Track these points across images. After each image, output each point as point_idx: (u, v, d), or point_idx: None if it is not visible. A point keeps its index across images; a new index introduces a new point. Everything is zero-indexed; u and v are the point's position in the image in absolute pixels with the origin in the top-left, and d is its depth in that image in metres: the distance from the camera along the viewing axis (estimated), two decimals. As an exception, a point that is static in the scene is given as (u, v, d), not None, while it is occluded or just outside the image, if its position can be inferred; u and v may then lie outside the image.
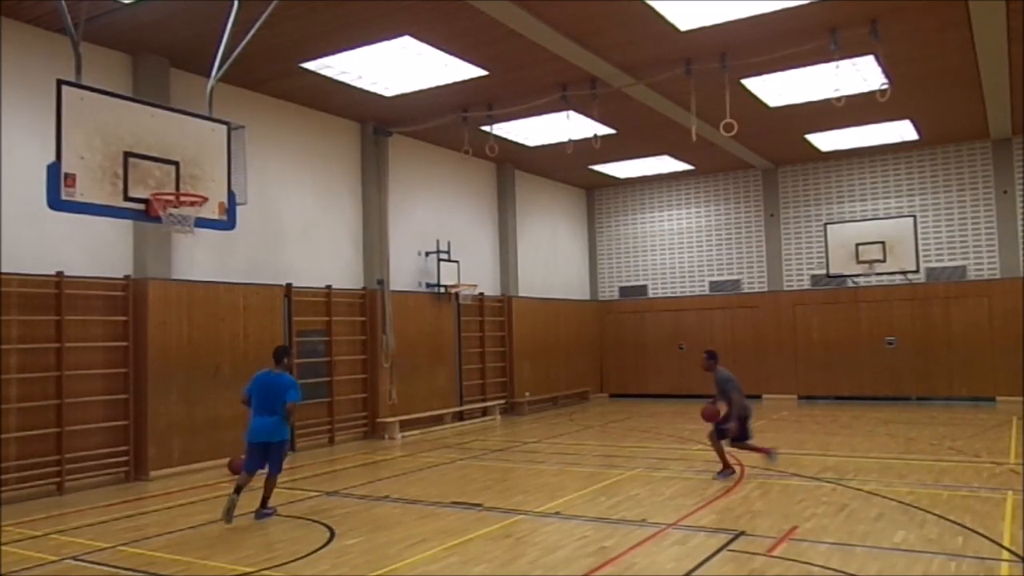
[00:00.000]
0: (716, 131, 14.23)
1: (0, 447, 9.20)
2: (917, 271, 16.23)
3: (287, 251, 13.32)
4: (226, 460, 11.08)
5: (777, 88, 13.37)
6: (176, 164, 6.84)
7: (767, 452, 9.57)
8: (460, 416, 16.86)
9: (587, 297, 22.27)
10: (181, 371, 11.17)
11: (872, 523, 7.12)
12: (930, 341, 18.00)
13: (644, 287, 21.74)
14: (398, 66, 11.76)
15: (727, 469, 9.49)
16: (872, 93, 12.67)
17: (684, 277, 21.17)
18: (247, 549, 6.83)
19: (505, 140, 16.01)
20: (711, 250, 20.82)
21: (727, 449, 9.64)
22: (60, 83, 6.14)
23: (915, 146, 18.06)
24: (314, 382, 13.52)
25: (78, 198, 6.13)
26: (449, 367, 16.82)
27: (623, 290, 22.08)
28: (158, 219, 6.71)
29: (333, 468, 11.38)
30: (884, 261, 16.11)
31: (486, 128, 14.81)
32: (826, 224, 17.32)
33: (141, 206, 6.58)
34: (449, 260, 16.60)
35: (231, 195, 7.38)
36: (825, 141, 17.37)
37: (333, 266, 14.23)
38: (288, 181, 13.43)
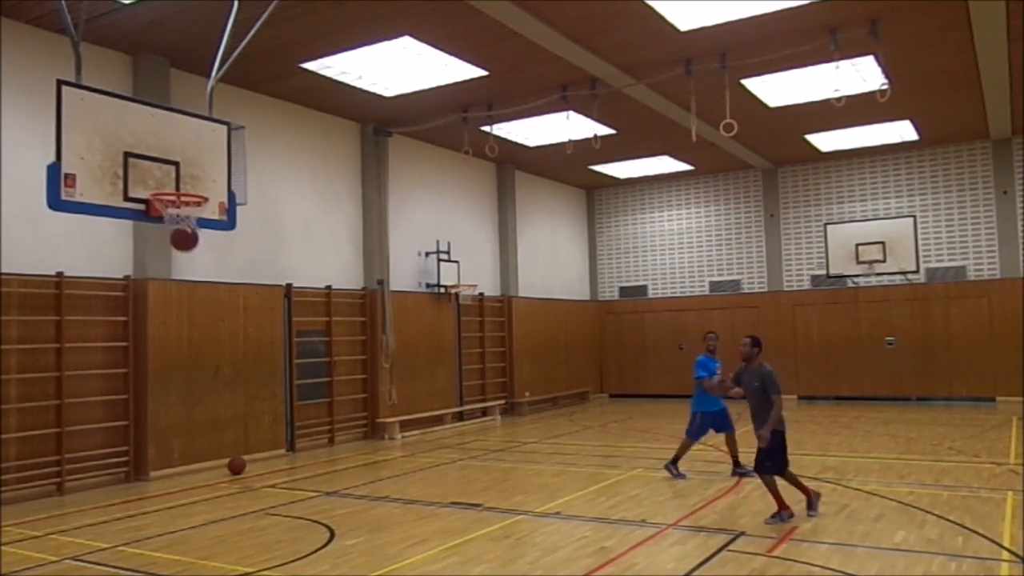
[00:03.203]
0: (716, 131, 14.22)
1: (0, 447, 9.20)
2: (917, 271, 16.23)
3: (287, 251, 13.32)
4: (226, 460, 11.13)
5: (777, 88, 13.36)
6: (176, 164, 6.83)
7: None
8: (460, 416, 16.86)
9: (587, 297, 22.27)
10: (181, 371, 11.16)
11: (872, 523, 7.12)
12: (930, 341, 17.99)
13: (644, 287, 21.74)
14: (398, 66, 11.76)
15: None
16: (872, 93, 12.65)
17: (684, 277, 21.17)
18: (247, 549, 6.83)
19: (505, 140, 16.01)
20: (711, 250, 20.82)
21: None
22: (60, 83, 6.13)
23: (915, 146, 18.06)
24: (314, 382, 13.54)
25: (78, 198, 6.12)
26: (449, 367, 16.82)
27: (623, 290, 22.08)
28: (158, 219, 6.69)
29: (333, 468, 11.37)
30: (884, 261, 16.10)
31: (486, 128, 14.81)
32: (826, 224, 17.32)
33: (141, 206, 6.57)
34: (449, 260, 16.59)
35: (231, 195, 7.37)
36: (825, 141, 17.37)
37: (333, 266, 14.23)
38: (288, 181, 13.43)
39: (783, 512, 7.30)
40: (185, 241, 6.79)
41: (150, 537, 7.39)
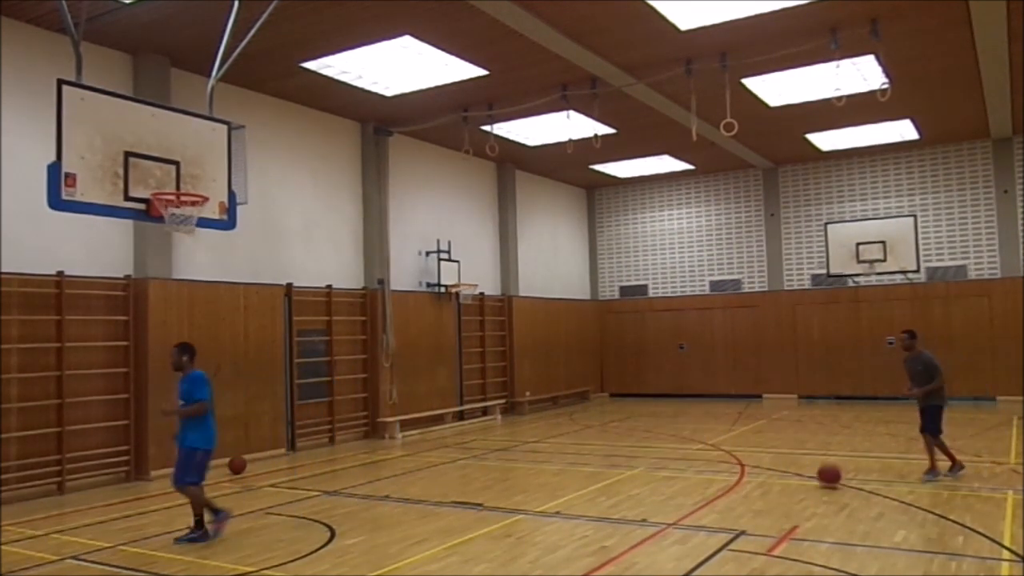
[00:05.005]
0: (716, 131, 14.23)
1: (0, 447, 9.20)
2: (917, 270, 16.22)
3: (287, 251, 13.32)
4: (227, 460, 11.12)
5: (777, 88, 13.36)
6: (176, 164, 6.84)
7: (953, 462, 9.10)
8: (460, 416, 16.86)
9: (587, 297, 22.27)
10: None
11: (872, 523, 7.13)
12: (930, 341, 17.85)
13: (644, 287, 21.75)
14: (398, 66, 11.76)
15: (936, 469, 9.06)
16: (872, 92, 12.67)
17: (684, 277, 21.17)
18: (247, 549, 6.83)
19: (505, 140, 16.01)
20: (711, 250, 20.82)
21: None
22: (60, 83, 6.13)
23: (915, 145, 18.06)
24: (314, 382, 13.54)
25: (79, 198, 6.12)
26: (449, 367, 16.82)
27: (623, 290, 22.08)
28: (159, 219, 6.70)
29: (333, 468, 11.38)
30: (884, 260, 16.09)
31: (486, 128, 14.81)
32: (826, 224, 17.30)
33: (142, 206, 6.58)
34: (449, 260, 16.60)
35: (231, 195, 7.37)
36: (825, 141, 17.37)
37: (333, 266, 14.23)
38: (288, 181, 13.43)
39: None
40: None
41: (150, 537, 7.40)
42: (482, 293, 17.82)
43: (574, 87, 12.95)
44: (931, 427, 9.09)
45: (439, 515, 7.95)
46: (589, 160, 18.56)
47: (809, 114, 15.05)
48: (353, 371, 14.41)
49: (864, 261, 16.26)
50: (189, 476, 7.20)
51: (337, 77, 12.23)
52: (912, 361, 9.36)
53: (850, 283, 18.53)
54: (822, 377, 19.06)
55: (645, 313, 21.59)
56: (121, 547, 6.97)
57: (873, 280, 18.26)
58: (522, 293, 19.19)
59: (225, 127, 7.37)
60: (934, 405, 9.12)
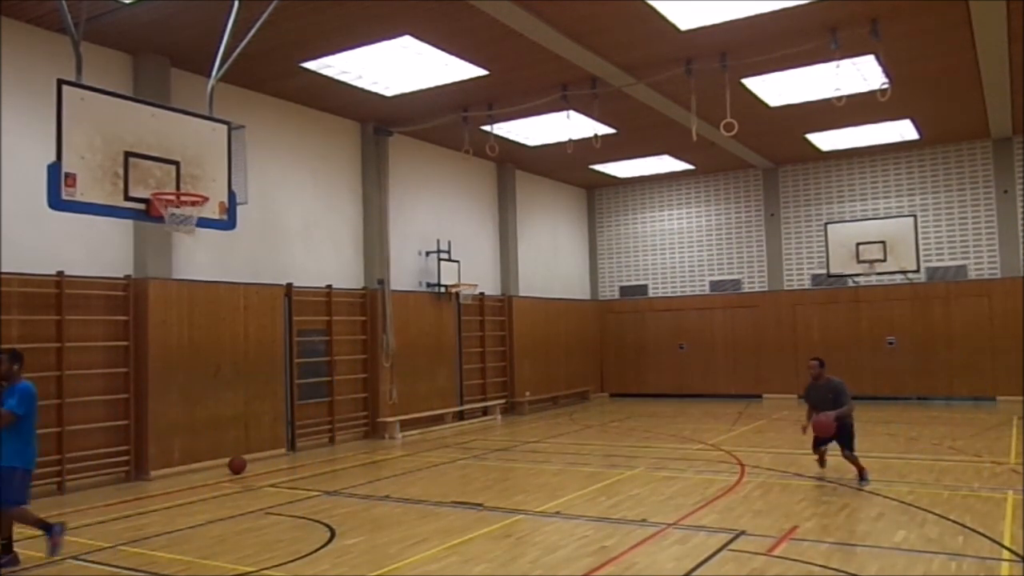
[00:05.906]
0: (716, 131, 14.23)
1: (1, 447, 9.19)
2: (917, 270, 16.22)
3: (287, 251, 13.32)
4: (227, 460, 11.14)
5: (777, 88, 13.36)
6: (176, 164, 6.83)
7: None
8: (460, 416, 16.86)
9: (587, 297, 22.27)
10: (181, 371, 11.16)
11: (872, 523, 7.13)
12: (930, 341, 17.99)
13: (644, 287, 21.75)
14: (398, 66, 11.76)
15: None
16: (872, 93, 12.66)
17: (684, 277, 21.17)
18: (247, 549, 6.83)
19: (505, 140, 16.01)
20: (711, 250, 20.82)
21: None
22: (60, 83, 6.13)
23: (915, 145, 18.06)
24: (314, 382, 13.54)
25: (78, 198, 6.12)
26: (449, 367, 16.82)
27: (623, 290, 22.08)
28: (159, 219, 6.70)
29: (333, 468, 11.38)
30: (884, 260, 16.10)
31: (486, 128, 14.81)
32: (826, 224, 17.31)
33: (142, 206, 6.57)
34: (449, 260, 16.60)
35: (231, 195, 7.37)
36: (825, 141, 17.37)
37: (333, 266, 14.23)
38: (288, 181, 13.43)
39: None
40: None
41: (151, 536, 7.40)
42: (482, 293, 17.82)
43: (574, 87, 12.95)
44: (849, 443, 9.11)
45: (439, 515, 7.95)
46: (589, 160, 18.56)
47: (809, 114, 15.05)
48: (353, 371, 14.41)
49: (864, 261, 16.26)
50: (13, 496, 6.47)
51: (337, 77, 12.23)
52: (822, 388, 9.33)
53: (850, 283, 18.54)
54: (822, 377, 19.02)
55: (645, 313, 21.59)
56: (121, 547, 6.97)
57: (873, 280, 18.26)
58: (522, 293, 19.19)
59: (225, 127, 7.37)
60: (849, 424, 9.17)
